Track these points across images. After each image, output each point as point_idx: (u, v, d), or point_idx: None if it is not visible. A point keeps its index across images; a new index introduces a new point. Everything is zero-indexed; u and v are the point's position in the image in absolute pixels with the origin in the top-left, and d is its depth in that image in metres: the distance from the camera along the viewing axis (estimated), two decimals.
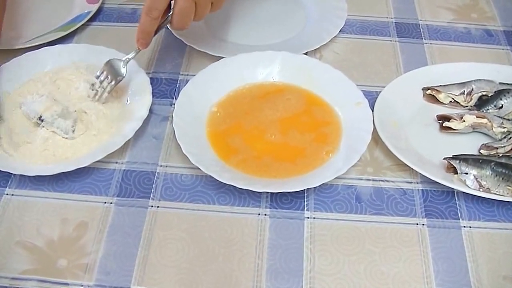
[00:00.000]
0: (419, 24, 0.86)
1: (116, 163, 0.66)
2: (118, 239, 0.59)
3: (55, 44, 0.77)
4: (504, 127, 0.67)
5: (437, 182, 0.62)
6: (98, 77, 0.70)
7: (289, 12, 0.87)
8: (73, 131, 0.66)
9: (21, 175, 0.63)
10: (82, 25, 0.82)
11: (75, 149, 0.65)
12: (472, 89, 0.72)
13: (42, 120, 0.66)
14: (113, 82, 0.69)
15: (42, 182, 0.64)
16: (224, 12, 0.85)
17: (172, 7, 0.67)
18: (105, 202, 0.62)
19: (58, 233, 0.59)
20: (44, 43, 0.78)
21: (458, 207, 0.63)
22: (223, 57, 0.74)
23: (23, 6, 0.86)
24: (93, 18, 0.84)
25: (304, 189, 0.62)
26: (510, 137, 0.66)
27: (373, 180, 0.65)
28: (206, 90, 0.71)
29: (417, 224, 0.61)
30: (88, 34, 0.83)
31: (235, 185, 0.60)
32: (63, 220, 0.60)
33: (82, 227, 0.60)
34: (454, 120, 0.68)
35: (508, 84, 0.72)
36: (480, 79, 0.72)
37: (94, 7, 0.85)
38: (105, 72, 0.70)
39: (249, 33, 0.83)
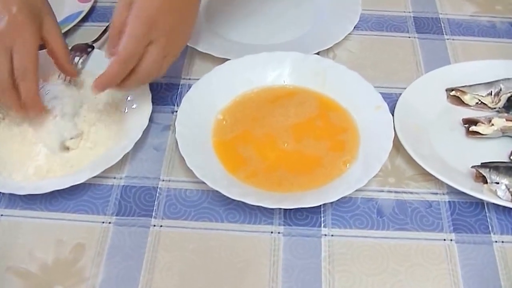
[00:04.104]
0: (439, 18, 0.84)
1: (115, 178, 0.64)
2: (118, 262, 0.57)
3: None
4: None
5: (465, 193, 0.60)
6: None
7: (298, 8, 0.85)
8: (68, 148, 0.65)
9: (11, 194, 0.62)
10: (74, 25, 0.81)
11: (70, 164, 0.64)
12: (501, 89, 0.69)
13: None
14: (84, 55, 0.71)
15: (34, 201, 0.62)
16: (228, 9, 0.85)
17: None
18: (103, 222, 0.61)
19: (53, 256, 0.58)
20: None
21: (488, 220, 0.61)
22: (228, 59, 0.73)
23: None
24: (85, 18, 0.83)
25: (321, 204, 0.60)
26: None
27: (395, 192, 0.63)
28: (211, 96, 0.69)
29: (444, 239, 0.59)
30: (81, 34, 0.81)
31: (245, 201, 0.58)
32: (58, 242, 0.59)
33: (79, 250, 0.58)
34: (482, 124, 0.66)
35: None
36: (508, 78, 0.70)
37: (86, 6, 0.84)
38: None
39: (256, 32, 0.82)
